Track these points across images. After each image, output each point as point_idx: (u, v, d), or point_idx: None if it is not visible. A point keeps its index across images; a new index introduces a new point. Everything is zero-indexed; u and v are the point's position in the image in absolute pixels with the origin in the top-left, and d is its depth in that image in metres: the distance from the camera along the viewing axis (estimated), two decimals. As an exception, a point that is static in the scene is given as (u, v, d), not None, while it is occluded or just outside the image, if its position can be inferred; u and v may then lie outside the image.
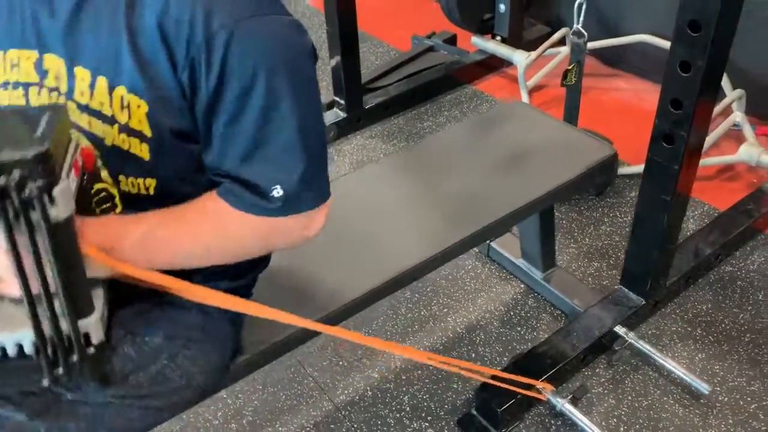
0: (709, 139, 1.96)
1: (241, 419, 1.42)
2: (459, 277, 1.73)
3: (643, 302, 1.51)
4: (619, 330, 1.47)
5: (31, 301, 0.67)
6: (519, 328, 1.58)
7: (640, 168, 1.95)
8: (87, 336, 0.73)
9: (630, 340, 1.46)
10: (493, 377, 1.37)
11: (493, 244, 1.74)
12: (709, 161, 1.95)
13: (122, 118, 0.78)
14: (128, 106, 0.77)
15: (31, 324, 0.69)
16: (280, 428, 1.39)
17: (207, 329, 0.93)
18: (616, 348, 1.46)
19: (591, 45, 2.50)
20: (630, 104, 2.40)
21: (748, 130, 1.95)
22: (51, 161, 0.63)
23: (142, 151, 0.79)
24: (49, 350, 0.71)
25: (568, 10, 2.46)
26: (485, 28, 2.60)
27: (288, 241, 0.87)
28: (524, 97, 2.32)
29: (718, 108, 1.98)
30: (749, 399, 1.39)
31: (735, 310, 1.58)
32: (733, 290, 1.63)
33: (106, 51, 0.76)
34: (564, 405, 1.34)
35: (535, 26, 2.71)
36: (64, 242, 0.66)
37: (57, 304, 0.69)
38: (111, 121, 0.79)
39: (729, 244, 1.69)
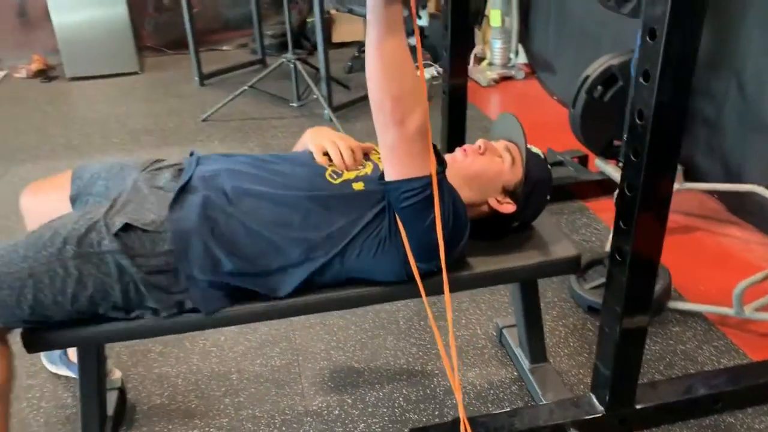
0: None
1: (235, 397, 1.76)
2: (465, 350, 1.90)
3: (603, 413, 1.55)
4: (570, 430, 1.53)
5: None
6: (490, 406, 1.70)
7: (696, 307, 1.96)
8: None
9: (575, 443, 1.52)
10: (427, 427, 1.54)
11: (504, 331, 1.89)
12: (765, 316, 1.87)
13: None
14: None
15: None
16: (257, 413, 1.70)
17: None
18: (555, 443, 1.52)
19: (706, 186, 2.53)
20: (732, 252, 2.34)
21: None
22: None
23: None
24: None
25: (701, 158, 2.54)
26: (612, 154, 2.74)
27: None
28: (616, 220, 2.40)
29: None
30: None
31: (711, 457, 1.53)
32: (721, 439, 1.57)
33: None
34: (479, 472, 1.45)
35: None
36: None
37: None
38: None
39: (736, 394, 1.63)
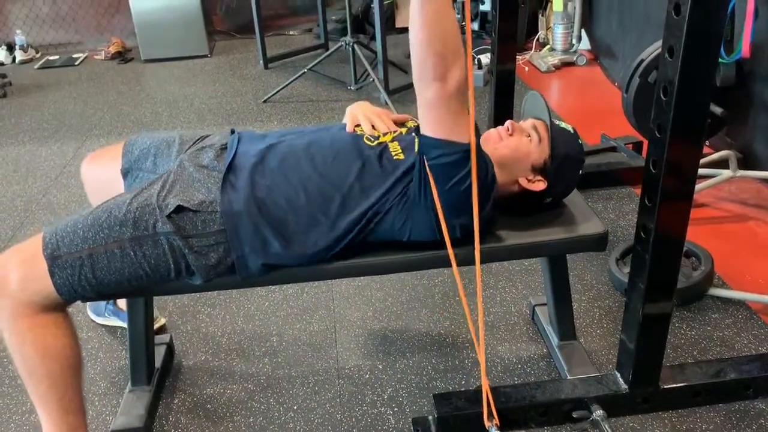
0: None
1: (273, 357, 1.86)
2: (497, 326, 1.93)
3: (627, 390, 1.56)
4: (592, 406, 1.55)
5: None
6: (516, 379, 1.74)
7: (737, 294, 1.93)
8: None
9: (596, 418, 1.53)
10: (451, 393, 1.60)
11: (537, 309, 1.91)
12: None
13: None
14: None
15: None
16: (293, 373, 1.80)
17: None
18: (575, 416, 1.54)
19: (761, 174, 2.46)
20: (785, 243, 2.27)
21: None
22: None
23: None
24: None
25: (760, 146, 2.47)
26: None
27: None
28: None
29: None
30: None
31: (736, 440, 1.52)
32: (748, 424, 1.55)
33: None
34: (497, 438, 1.49)
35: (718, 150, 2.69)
36: None
37: None
38: None
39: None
